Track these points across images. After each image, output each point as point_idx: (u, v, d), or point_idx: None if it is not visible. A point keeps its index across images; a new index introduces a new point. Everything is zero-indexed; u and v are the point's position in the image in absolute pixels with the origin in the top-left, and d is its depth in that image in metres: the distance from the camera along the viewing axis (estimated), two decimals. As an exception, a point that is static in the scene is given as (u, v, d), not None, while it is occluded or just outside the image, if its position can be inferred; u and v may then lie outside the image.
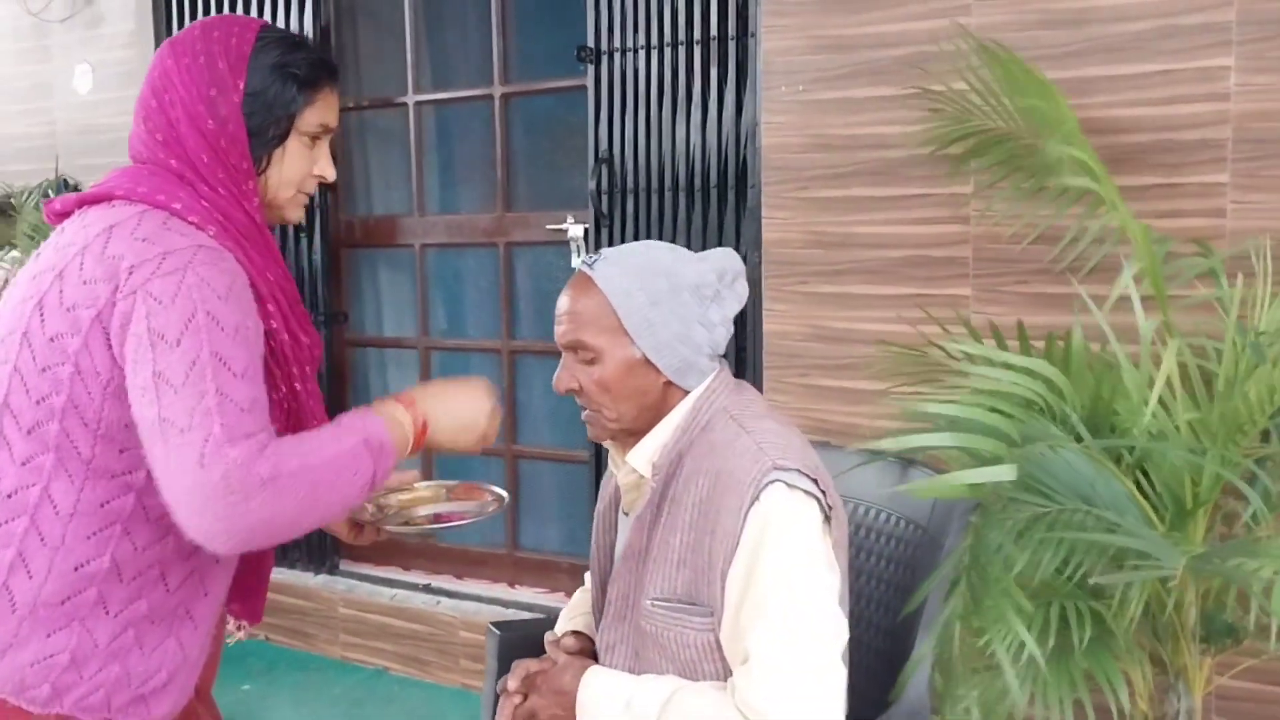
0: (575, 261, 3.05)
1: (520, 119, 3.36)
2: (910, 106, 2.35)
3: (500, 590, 3.38)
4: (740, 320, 2.73)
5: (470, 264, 3.52)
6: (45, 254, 1.20)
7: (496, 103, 3.31)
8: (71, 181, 3.80)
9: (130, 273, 1.12)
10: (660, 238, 2.81)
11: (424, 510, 1.39)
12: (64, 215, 1.24)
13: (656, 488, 1.34)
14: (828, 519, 1.28)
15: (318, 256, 3.52)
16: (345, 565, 3.63)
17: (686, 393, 1.35)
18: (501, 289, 3.38)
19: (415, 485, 1.42)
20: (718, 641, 1.28)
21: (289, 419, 1.35)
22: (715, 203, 2.75)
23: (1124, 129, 2.19)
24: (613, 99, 2.87)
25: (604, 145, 2.89)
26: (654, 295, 1.31)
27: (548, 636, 1.46)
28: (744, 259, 2.68)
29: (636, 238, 2.85)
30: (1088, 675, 1.73)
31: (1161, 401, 1.85)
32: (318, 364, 1.34)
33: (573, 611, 1.58)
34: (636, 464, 1.36)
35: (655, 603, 1.31)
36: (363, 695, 3.20)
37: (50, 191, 3.72)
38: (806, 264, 2.58)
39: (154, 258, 1.12)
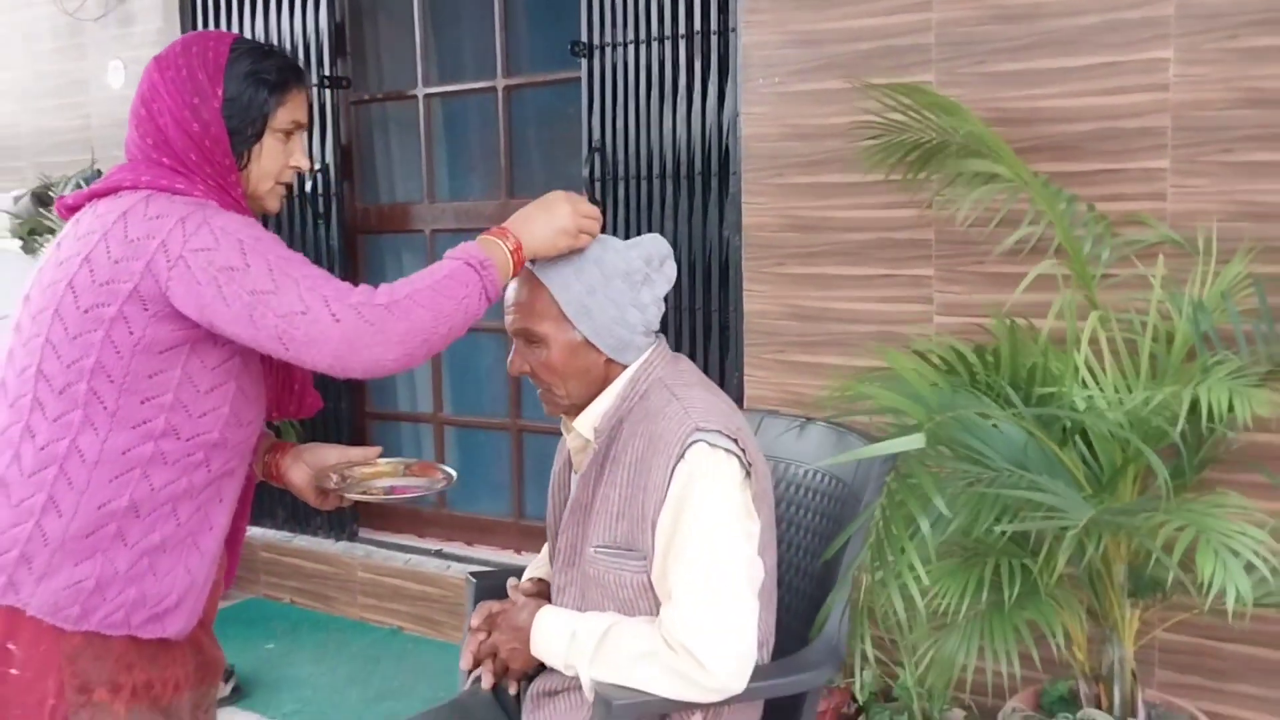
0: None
1: (522, 110, 3.53)
2: (875, 99, 2.49)
3: (507, 556, 3.58)
4: (723, 300, 2.90)
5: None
6: (65, 244, 1.37)
7: (500, 94, 3.48)
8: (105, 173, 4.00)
9: (164, 247, 1.28)
10: (649, 222, 2.98)
11: (382, 483, 1.57)
12: (75, 209, 1.42)
13: (599, 449, 1.51)
14: (749, 474, 1.46)
15: (335, 241, 3.72)
16: (364, 533, 3.84)
17: (626, 366, 1.53)
18: (506, 272, 3.54)
19: (378, 461, 1.60)
20: (651, 582, 1.45)
21: (279, 375, 1.53)
22: (699, 189, 2.90)
23: (1072, 118, 2.32)
24: (604, 91, 3.03)
25: (597, 135, 3.05)
26: (589, 284, 1.48)
27: (510, 582, 1.65)
28: (726, 242, 2.87)
29: (628, 223, 3.02)
30: (1018, 629, 1.90)
31: (1094, 373, 2.00)
32: None
33: (538, 563, 1.77)
34: (582, 429, 1.54)
35: (598, 550, 1.49)
36: (379, 653, 3.41)
37: (82, 183, 3.94)
38: (783, 247, 2.74)
39: (175, 226, 1.29)
